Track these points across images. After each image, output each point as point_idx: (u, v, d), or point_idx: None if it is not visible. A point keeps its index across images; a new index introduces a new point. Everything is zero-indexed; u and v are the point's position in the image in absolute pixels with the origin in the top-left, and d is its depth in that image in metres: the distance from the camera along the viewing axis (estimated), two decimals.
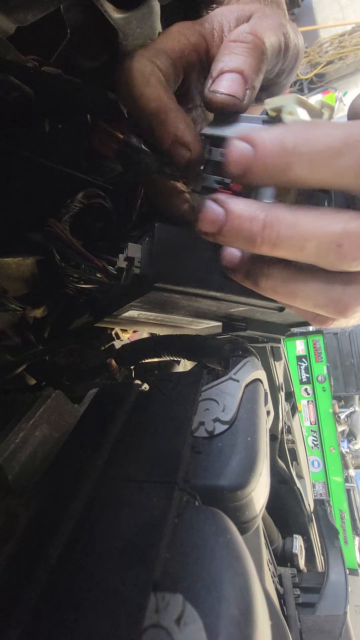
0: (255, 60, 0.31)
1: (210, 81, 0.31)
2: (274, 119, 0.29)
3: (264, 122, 0.29)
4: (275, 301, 0.35)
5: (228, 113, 0.31)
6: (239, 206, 0.27)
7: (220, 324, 0.49)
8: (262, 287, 0.30)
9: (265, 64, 0.32)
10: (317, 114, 0.28)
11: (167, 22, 0.34)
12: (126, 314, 0.45)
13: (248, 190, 0.30)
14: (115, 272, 0.40)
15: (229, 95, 0.30)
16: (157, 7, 0.32)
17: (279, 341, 0.54)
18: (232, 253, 0.32)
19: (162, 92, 0.31)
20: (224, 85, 0.30)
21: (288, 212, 0.26)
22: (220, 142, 0.31)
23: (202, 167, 0.33)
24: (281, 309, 0.40)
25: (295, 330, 0.51)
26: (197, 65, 0.35)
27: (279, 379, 0.91)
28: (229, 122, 0.31)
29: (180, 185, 0.37)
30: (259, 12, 0.34)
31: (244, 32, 0.32)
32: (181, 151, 0.31)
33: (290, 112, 0.27)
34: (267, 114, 0.30)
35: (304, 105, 0.27)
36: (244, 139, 0.26)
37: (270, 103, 0.28)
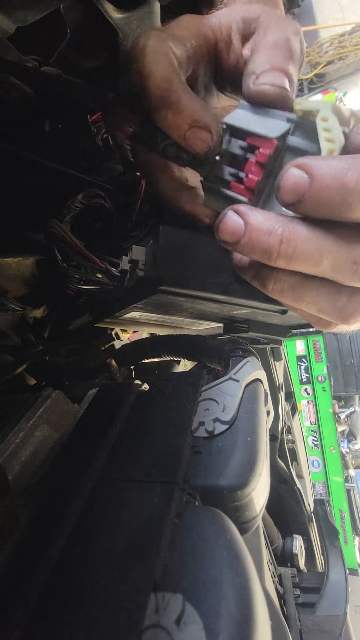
0: (294, 64, 0.31)
1: (253, 77, 0.30)
2: (302, 119, 0.28)
3: (289, 120, 0.29)
4: (278, 304, 0.35)
5: (270, 105, 0.30)
6: (258, 219, 0.27)
7: (221, 325, 0.49)
8: (270, 289, 0.30)
9: (297, 69, 0.32)
10: (346, 122, 0.27)
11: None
12: (128, 315, 0.45)
13: (261, 187, 0.30)
14: (119, 274, 0.40)
15: (281, 87, 0.29)
16: (157, 7, 0.32)
17: (280, 342, 0.54)
18: None
19: (173, 74, 0.30)
20: (274, 79, 0.30)
21: (306, 229, 0.26)
22: (241, 134, 0.31)
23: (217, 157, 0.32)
24: (284, 312, 0.40)
25: (295, 330, 0.51)
26: (205, 59, 0.34)
27: (279, 379, 0.91)
28: (252, 115, 0.30)
29: (188, 172, 0.36)
30: (266, 14, 0.34)
31: (279, 37, 0.31)
32: (202, 134, 0.30)
33: (324, 118, 0.26)
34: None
35: (338, 112, 0.27)
36: (301, 167, 0.25)
37: (302, 104, 0.28)
